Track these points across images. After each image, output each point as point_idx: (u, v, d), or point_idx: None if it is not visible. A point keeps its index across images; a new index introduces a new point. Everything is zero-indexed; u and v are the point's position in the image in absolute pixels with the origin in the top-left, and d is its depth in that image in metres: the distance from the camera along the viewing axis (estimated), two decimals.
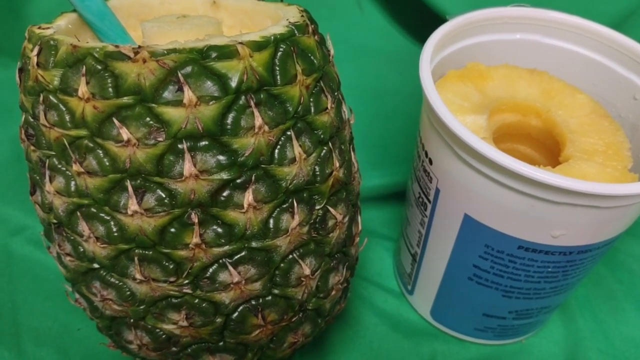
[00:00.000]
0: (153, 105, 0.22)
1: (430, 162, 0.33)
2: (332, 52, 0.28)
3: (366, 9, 0.68)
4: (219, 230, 0.24)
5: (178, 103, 0.21)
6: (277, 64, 0.23)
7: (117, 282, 0.26)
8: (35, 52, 0.23)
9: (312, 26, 0.26)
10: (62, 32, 0.26)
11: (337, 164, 0.27)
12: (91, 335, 0.39)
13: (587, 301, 0.44)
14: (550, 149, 0.37)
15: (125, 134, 0.22)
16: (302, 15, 0.26)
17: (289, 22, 0.25)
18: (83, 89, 0.21)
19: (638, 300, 0.45)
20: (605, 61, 0.37)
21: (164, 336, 0.27)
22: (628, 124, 0.36)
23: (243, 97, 0.22)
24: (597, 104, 0.36)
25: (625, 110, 0.37)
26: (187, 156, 0.22)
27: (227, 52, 0.22)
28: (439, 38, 0.34)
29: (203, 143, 0.22)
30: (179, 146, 0.22)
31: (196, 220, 0.23)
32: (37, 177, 0.26)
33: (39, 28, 0.24)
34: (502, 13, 0.38)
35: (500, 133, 0.37)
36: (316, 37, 0.26)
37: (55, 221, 0.26)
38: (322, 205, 0.27)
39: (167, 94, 0.21)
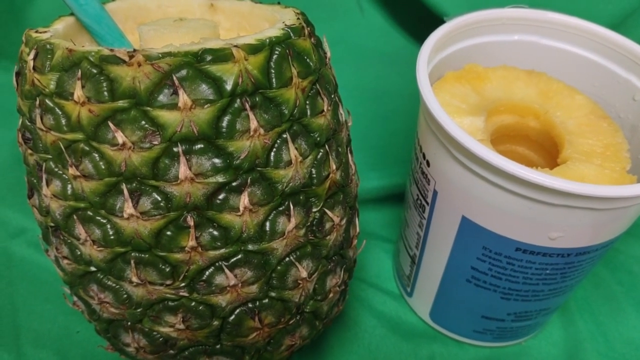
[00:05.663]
0: (148, 108, 0.22)
1: (428, 164, 0.33)
2: (328, 54, 0.28)
3: (366, 10, 0.68)
4: (215, 233, 0.24)
5: (173, 106, 0.21)
6: (273, 66, 0.23)
7: (114, 285, 0.26)
8: (31, 56, 0.23)
9: (308, 29, 0.26)
10: (60, 35, 0.26)
11: (334, 167, 0.27)
12: (90, 338, 0.39)
13: (586, 303, 0.44)
14: (548, 151, 0.37)
15: (120, 137, 0.22)
16: (298, 18, 0.26)
17: (285, 25, 0.25)
18: (79, 93, 0.22)
19: (638, 302, 0.45)
20: (604, 62, 0.37)
21: (161, 339, 0.27)
22: (627, 125, 0.36)
23: (238, 100, 0.22)
24: (595, 105, 0.36)
25: (624, 111, 0.37)
26: (183, 159, 0.22)
27: (222, 55, 0.22)
28: (436, 39, 0.34)
29: (198, 146, 0.22)
30: (174, 149, 0.22)
31: (192, 224, 0.23)
32: (35, 181, 0.26)
33: (36, 32, 0.25)
34: (500, 14, 0.38)
35: (498, 135, 0.37)
36: (312, 39, 0.26)
37: (52, 224, 0.26)
38: (318, 207, 0.27)
39: (162, 98, 0.21)
